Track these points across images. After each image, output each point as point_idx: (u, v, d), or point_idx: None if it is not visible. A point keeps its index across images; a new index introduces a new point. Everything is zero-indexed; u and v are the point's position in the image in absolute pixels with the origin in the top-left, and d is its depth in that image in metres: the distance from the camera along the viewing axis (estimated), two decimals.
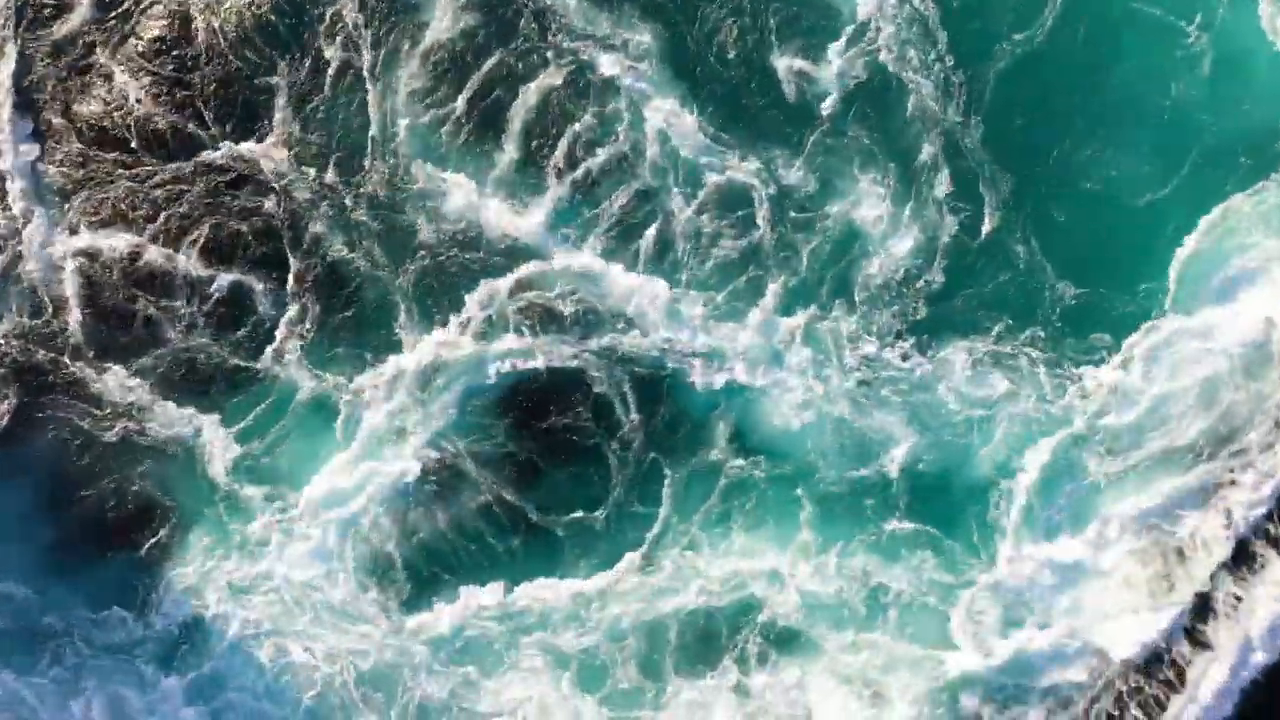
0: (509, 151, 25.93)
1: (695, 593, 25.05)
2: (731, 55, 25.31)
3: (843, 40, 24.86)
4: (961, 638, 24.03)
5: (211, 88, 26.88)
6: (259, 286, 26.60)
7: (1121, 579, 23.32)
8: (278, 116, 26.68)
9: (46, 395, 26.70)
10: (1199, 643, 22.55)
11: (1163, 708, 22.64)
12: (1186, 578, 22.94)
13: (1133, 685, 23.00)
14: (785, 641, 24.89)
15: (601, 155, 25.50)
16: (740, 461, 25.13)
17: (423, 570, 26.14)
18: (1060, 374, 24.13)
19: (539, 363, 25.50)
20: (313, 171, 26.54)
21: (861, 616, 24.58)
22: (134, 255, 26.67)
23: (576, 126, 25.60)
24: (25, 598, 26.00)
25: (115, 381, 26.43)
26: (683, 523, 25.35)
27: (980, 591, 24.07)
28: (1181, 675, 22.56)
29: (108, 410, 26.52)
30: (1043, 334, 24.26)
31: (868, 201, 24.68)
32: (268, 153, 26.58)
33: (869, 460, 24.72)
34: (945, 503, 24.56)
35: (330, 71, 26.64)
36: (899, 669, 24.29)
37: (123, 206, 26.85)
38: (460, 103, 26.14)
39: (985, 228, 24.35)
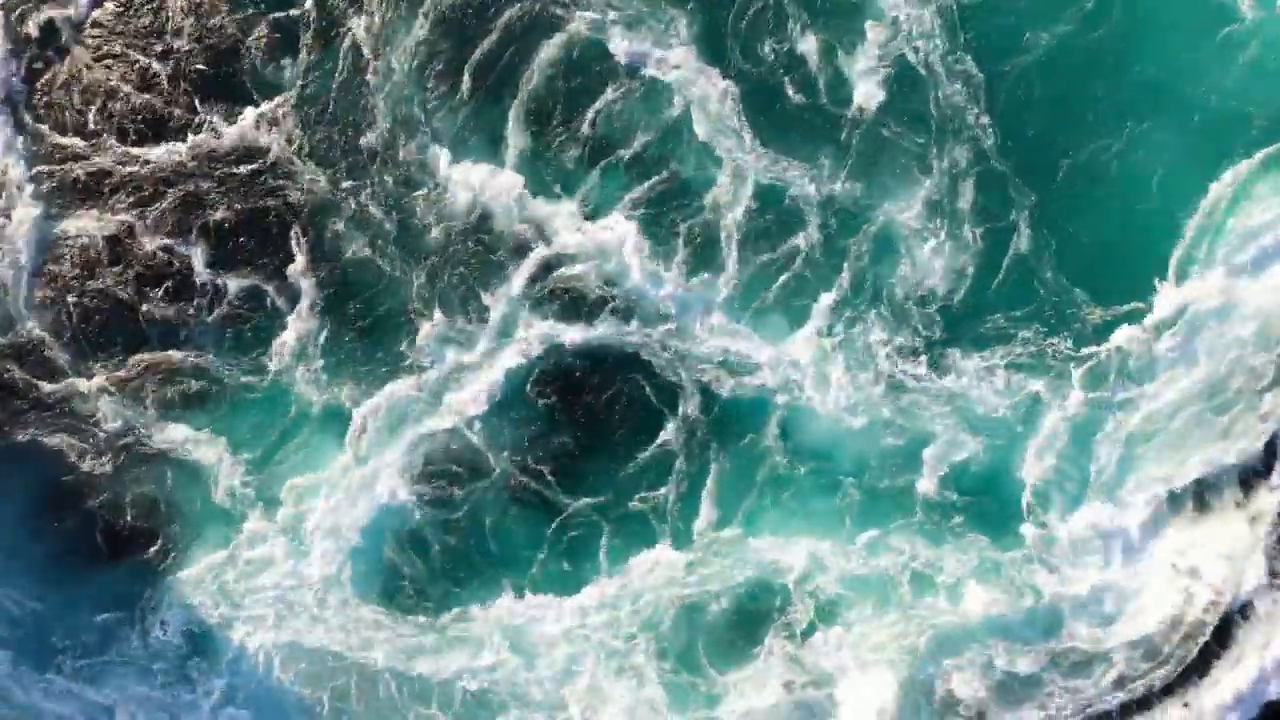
0: (525, 136, 24.94)
1: (737, 578, 24.58)
2: (762, 43, 24.43)
3: (872, 36, 24.09)
4: (1014, 602, 23.83)
5: (194, 63, 25.48)
6: (256, 285, 25.45)
7: (1183, 529, 23.35)
8: (272, 101, 25.43)
9: (43, 412, 25.55)
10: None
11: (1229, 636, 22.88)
12: (1250, 515, 22.95)
13: (1203, 621, 23.02)
14: (828, 616, 24.48)
15: (633, 145, 24.62)
16: (779, 457, 24.62)
17: (455, 566, 25.28)
18: (1090, 363, 23.75)
19: (567, 350, 24.78)
20: (314, 164, 25.38)
21: (905, 592, 24.29)
22: (120, 251, 25.42)
23: (608, 114, 24.68)
24: (37, 608, 25.44)
25: (111, 405, 25.37)
26: (724, 513, 24.79)
27: (1031, 560, 23.86)
28: (1248, 607, 22.72)
29: (109, 427, 25.44)
30: (1071, 343, 23.82)
31: (898, 205, 24.12)
32: (260, 139, 25.35)
33: (905, 455, 24.32)
34: (985, 487, 24.21)
35: (326, 40, 25.32)
36: (949, 638, 24.04)
37: (109, 201, 25.54)
38: (470, 79, 25.04)
39: (1013, 229, 23.89)
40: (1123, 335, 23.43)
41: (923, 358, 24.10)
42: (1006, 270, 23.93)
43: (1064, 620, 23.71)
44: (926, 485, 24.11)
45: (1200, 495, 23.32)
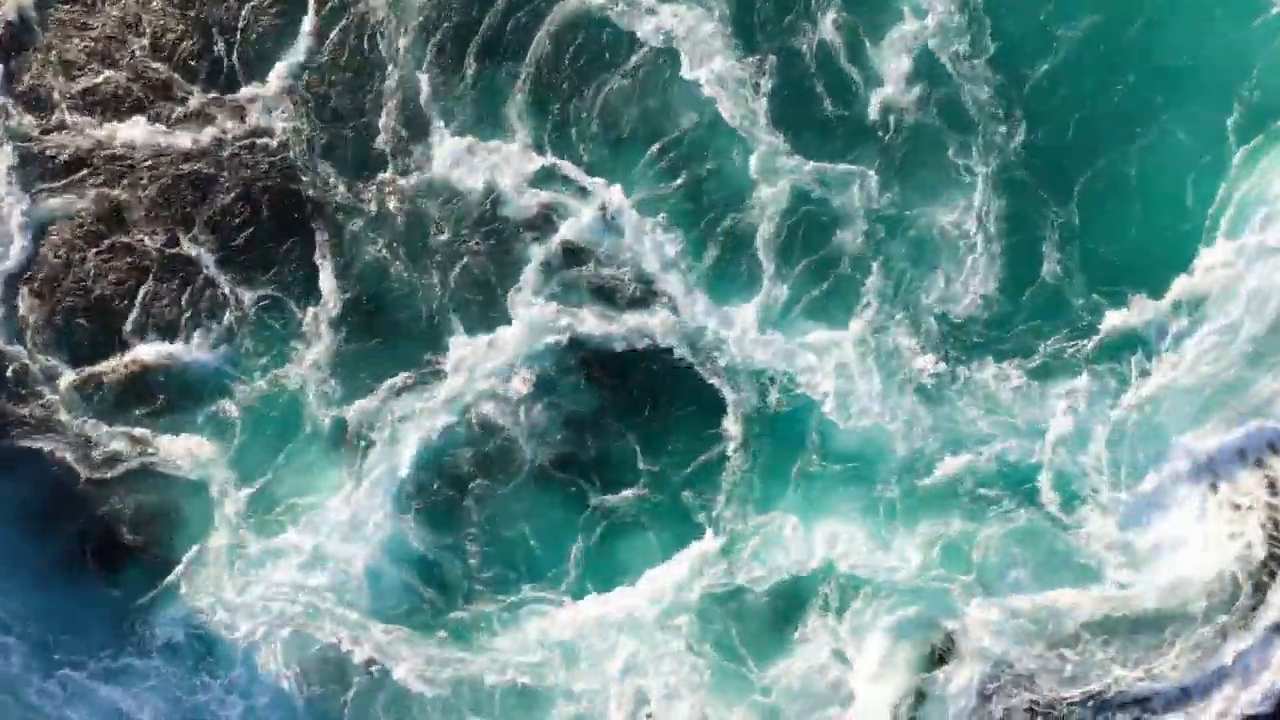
0: (545, 124, 24.15)
1: (776, 565, 24.38)
2: (789, 31, 23.76)
3: (901, 28, 23.56)
4: (1060, 570, 23.87)
5: (175, 36, 24.15)
6: (260, 283, 24.54)
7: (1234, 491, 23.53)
8: (269, 82, 24.27)
9: (41, 420, 24.64)
10: None
11: None
12: None
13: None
14: (867, 589, 24.30)
15: (661, 136, 23.97)
16: (814, 455, 24.36)
17: (486, 565, 24.73)
18: (1122, 349, 23.72)
19: (594, 346, 24.27)
20: (319, 153, 24.33)
21: (941, 563, 24.20)
22: (111, 246, 24.39)
23: (632, 103, 23.94)
24: (48, 612, 25.08)
25: (107, 412, 24.67)
26: (760, 506, 24.52)
27: (1076, 530, 23.94)
28: None
29: (108, 437, 24.68)
30: (1100, 335, 23.67)
31: (929, 206, 23.74)
32: (258, 122, 24.23)
33: (940, 452, 24.11)
34: (1021, 478, 24.05)
35: (329, 14, 24.19)
36: (994, 605, 24.01)
37: (96, 192, 24.37)
38: (485, 60, 24.04)
39: (1043, 229, 23.56)
40: (1151, 314, 23.49)
41: (954, 361, 23.89)
42: (1036, 272, 23.66)
43: (1110, 579, 23.75)
44: (962, 477, 24.02)
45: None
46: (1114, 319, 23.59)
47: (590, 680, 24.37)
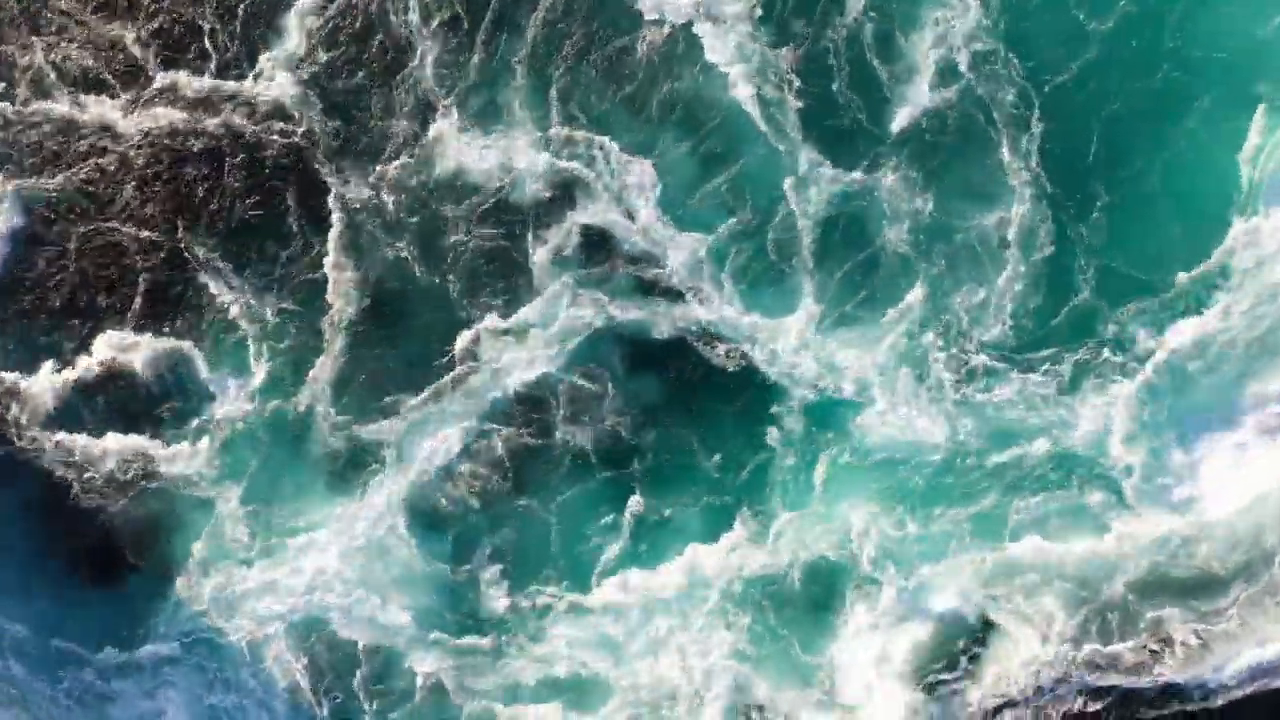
0: (564, 120, 23.72)
1: (811, 552, 24.12)
2: (817, 28, 23.43)
3: (930, 29, 23.30)
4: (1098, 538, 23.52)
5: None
6: (266, 288, 24.06)
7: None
8: (266, 70, 23.80)
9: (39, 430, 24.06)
10: None
11: None
12: None
13: None
14: (901, 568, 24.01)
15: (690, 136, 23.61)
16: (846, 452, 24.06)
17: (517, 562, 24.36)
18: (1143, 341, 23.47)
19: (622, 340, 23.95)
20: (325, 147, 23.77)
21: (984, 542, 23.94)
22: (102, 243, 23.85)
23: (661, 98, 23.59)
24: (52, 617, 24.80)
25: (109, 439, 24.13)
26: (792, 498, 24.22)
27: (1131, 500, 23.54)
28: None
29: (113, 457, 24.14)
30: (1121, 330, 23.47)
31: (958, 211, 23.53)
32: (257, 111, 23.73)
33: (977, 449, 23.82)
34: (1059, 473, 23.79)
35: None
36: (1035, 577, 23.76)
37: (80, 184, 23.86)
38: (504, 51, 23.52)
39: (1077, 232, 23.32)
40: (1179, 296, 23.30)
41: (987, 358, 23.63)
42: (1070, 270, 23.39)
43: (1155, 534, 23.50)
44: (998, 464, 23.80)
45: None
46: (1139, 305, 23.44)
47: (638, 673, 24.06)
